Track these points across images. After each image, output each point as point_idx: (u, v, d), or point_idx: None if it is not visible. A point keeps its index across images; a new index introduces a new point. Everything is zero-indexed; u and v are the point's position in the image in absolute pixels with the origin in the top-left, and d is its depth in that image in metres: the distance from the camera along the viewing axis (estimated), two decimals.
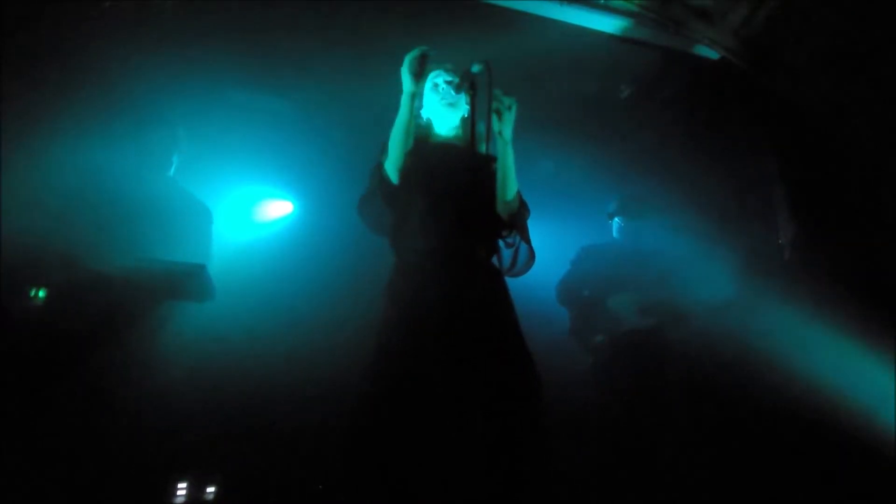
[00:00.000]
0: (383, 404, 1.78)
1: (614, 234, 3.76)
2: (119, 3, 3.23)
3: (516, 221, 2.11)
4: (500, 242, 2.15)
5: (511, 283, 2.16)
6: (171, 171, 2.94)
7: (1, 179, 2.48)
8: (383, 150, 2.10)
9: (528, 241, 2.14)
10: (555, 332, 3.55)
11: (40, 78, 3.06)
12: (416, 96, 2.05)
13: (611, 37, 3.59)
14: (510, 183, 2.08)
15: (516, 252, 2.13)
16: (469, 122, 2.05)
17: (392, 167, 2.03)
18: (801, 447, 3.13)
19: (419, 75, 1.99)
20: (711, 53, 3.71)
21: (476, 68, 1.97)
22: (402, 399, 1.75)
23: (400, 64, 2.02)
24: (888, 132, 3.27)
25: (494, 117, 1.97)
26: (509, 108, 1.98)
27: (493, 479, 1.68)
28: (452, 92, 2.12)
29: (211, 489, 3.52)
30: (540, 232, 3.25)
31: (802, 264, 3.52)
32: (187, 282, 2.34)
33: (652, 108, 4.33)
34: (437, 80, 2.18)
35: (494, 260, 2.15)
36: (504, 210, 2.10)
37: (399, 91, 2.13)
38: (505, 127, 1.99)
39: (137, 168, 2.82)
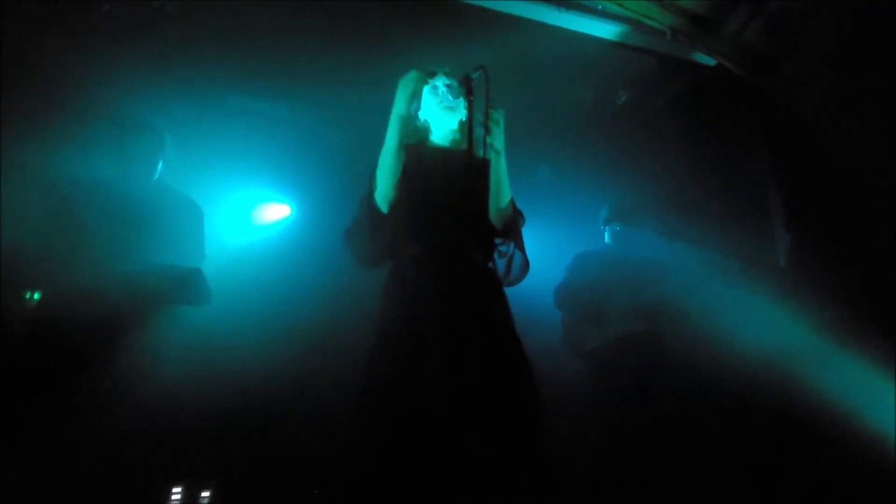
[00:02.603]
0: (380, 406, 1.77)
1: (606, 239, 3.76)
2: (117, 6, 3.23)
3: (510, 229, 2.11)
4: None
5: (508, 288, 2.15)
6: (156, 176, 2.90)
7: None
8: (372, 178, 2.07)
9: (522, 250, 2.13)
10: (550, 338, 3.56)
11: (37, 82, 3.06)
12: (407, 120, 2.04)
13: (608, 43, 3.60)
14: (503, 191, 2.08)
15: (510, 261, 2.12)
16: (466, 127, 2.05)
17: (382, 198, 2.02)
18: (800, 453, 3.13)
19: (416, 96, 2.02)
20: (708, 60, 3.72)
21: (475, 74, 1.98)
22: (399, 401, 1.75)
23: (399, 68, 2.02)
24: (885, 139, 3.28)
25: (483, 128, 1.97)
26: (497, 122, 1.99)
27: (491, 481, 1.68)
28: (450, 96, 2.13)
29: (206, 494, 3.51)
30: (537, 237, 3.26)
31: (798, 271, 3.53)
32: (183, 286, 2.33)
33: (649, 114, 4.35)
34: (437, 83, 2.19)
35: (491, 265, 2.15)
36: (497, 217, 2.10)
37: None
38: (496, 139, 1.99)
39: (123, 173, 2.78)
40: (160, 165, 2.88)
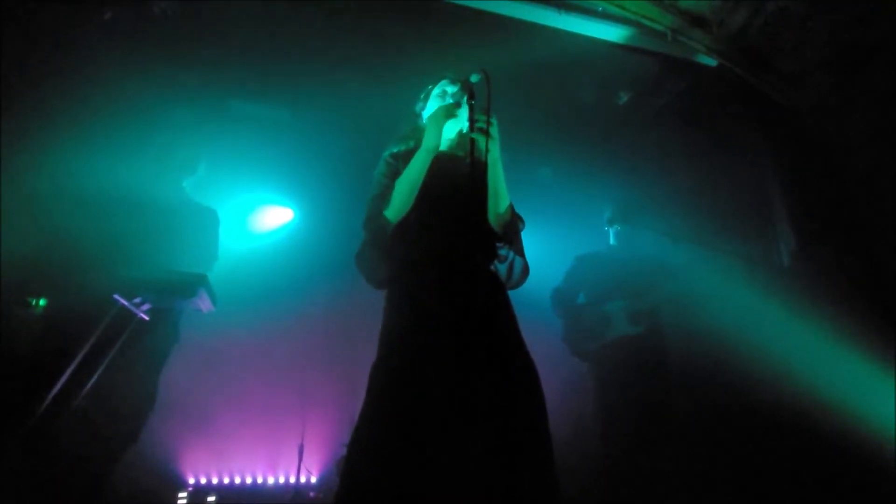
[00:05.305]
0: (386, 412, 1.77)
1: (612, 240, 3.76)
2: (120, 11, 3.24)
3: (510, 233, 2.12)
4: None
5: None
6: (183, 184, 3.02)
7: (3, 187, 2.50)
8: (376, 200, 2.06)
9: (521, 255, 2.14)
10: (553, 339, 3.56)
11: (41, 87, 3.08)
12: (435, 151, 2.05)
13: (609, 44, 3.60)
14: (501, 196, 2.09)
15: (511, 266, 2.13)
16: (467, 131, 2.05)
17: (395, 218, 2.01)
18: (800, 452, 3.13)
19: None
20: (709, 60, 3.72)
21: (475, 78, 1.99)
22: (406, 406, 1.75)
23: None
24: (885, 138, 3.28)
25: (481, 136, 1.96)
26: (491, 135, 1.97)
27: (497, 486, 1.68)
28: (452, 101, 2.13)
29: (211, 499, 3.52)
30: (540, 238, 3.26)
31: (801, 270, 3.53)
32: (190, 291, 2.33)
33: (650, 115, 4.35)
34: (447, 89, 2.21)
35: (493, 268, 2.15)
36: (497, 222, 2.10)
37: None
38: (491, 145, 1.99)
39: (152, 177, 2.88)
40: (186, 184, 3.01)
